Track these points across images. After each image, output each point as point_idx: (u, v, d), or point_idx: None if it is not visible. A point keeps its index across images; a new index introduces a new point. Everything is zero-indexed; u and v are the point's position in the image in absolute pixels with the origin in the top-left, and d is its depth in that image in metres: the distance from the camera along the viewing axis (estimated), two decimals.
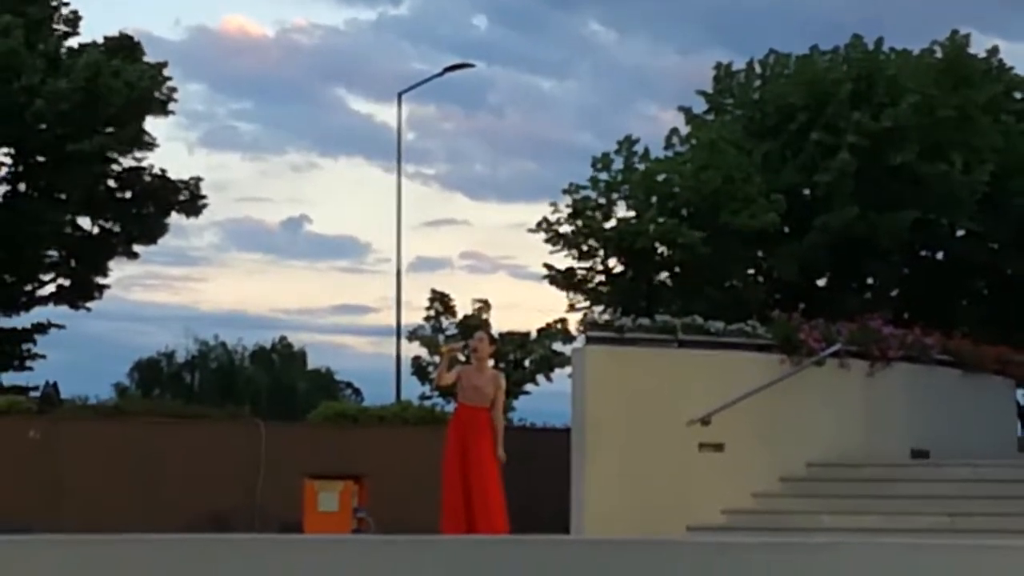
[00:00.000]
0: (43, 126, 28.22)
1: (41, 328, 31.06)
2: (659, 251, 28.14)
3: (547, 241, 29.00)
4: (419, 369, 31.44)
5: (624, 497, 15.57)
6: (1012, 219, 28.41)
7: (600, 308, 28.42)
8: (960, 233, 29.43)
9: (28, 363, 31.28)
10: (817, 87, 28.55)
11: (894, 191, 27.44)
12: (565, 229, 28.88)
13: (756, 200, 27.17)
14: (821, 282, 29.84)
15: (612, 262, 29.07)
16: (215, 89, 75.08)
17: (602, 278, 29.31)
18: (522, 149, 72.69)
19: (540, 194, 67.02)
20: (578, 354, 16.71)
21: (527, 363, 31.55)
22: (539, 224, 28.95)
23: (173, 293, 68.08)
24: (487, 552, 8.21)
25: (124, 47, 30.11)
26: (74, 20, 30.28)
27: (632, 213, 28.72)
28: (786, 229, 28.02)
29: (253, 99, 78.00)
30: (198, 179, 30.97)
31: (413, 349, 31.49)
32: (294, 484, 17.82)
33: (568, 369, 19.03)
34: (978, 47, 30.08)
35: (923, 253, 30.32)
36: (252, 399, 45.43)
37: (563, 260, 29.29)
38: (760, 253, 28.78)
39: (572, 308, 30.14)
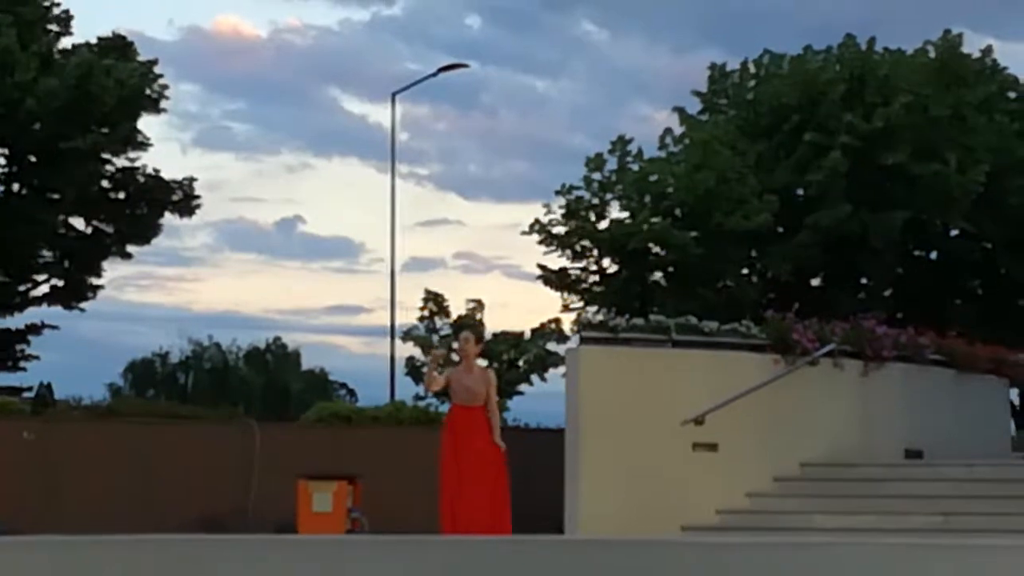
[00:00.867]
0: (36, 125, 28.19)
1: (35, 329, 31.03)
2: (653, 251, 28.17)
3: (541, 242, 29.04)
4: (413, 369, 31.42)
5: (618, 497, 15.56)
6: (1006, 219, 28.45)
7: (594, 308, 28.45)
8: (954, 233, 29.48)
9: (22, 364, 31.25)
10: (810, 87, 28.60)
11: (887, 191, 27.48)
12: (559, 230, 28.91)
13: (749, 200, 27.20)
14: (815, 282, 29.90)
15: (606, 262, 29.11)
16: (208, 89, 75.13)
17: (596, 278, 29.35)
18: (516, 149, 72.70)
19: (534, 194, 67.22)
20: (572, 354, 16.70)
21: (521, 363, 31.55)
22: (533, 224, 28.98)
23: (167, 293, 68.01)
24: (480, 552, 8.20)
25: (117, 47, 30.11)
26: (66, 20, 30.28)
27: (626, 213, 28.76)
28: (780, 229, 28.05)
29: (247, 99, 78.03)
30: (192, 179, 30.99)
31: (407, 349, 31.50)
32: (288, 484, 17.79)
33: (562, 369, 19.03)
34: (971, 47, 30.19)
35: (917, 253, 30.37)
36: (246, 400, 45.39)
37: (557, 260, 29.35)
38: (753, 253, 28.82)
39: (566, 308, 30.19)
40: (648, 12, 67.79)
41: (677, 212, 27.92)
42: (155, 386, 50.34)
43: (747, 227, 26.89)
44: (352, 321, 75.18)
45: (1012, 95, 30.47)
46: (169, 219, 31.40)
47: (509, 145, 71.37)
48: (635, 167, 29.17)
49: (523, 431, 23.59)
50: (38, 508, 18.67)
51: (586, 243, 28.92)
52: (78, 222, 30.42)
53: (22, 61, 27.62)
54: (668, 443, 15.98)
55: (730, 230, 26.97)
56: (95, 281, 31.16)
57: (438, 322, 32.14)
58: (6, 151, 29.28)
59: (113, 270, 38.38)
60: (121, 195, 30.48)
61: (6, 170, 29.51)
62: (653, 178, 28.66)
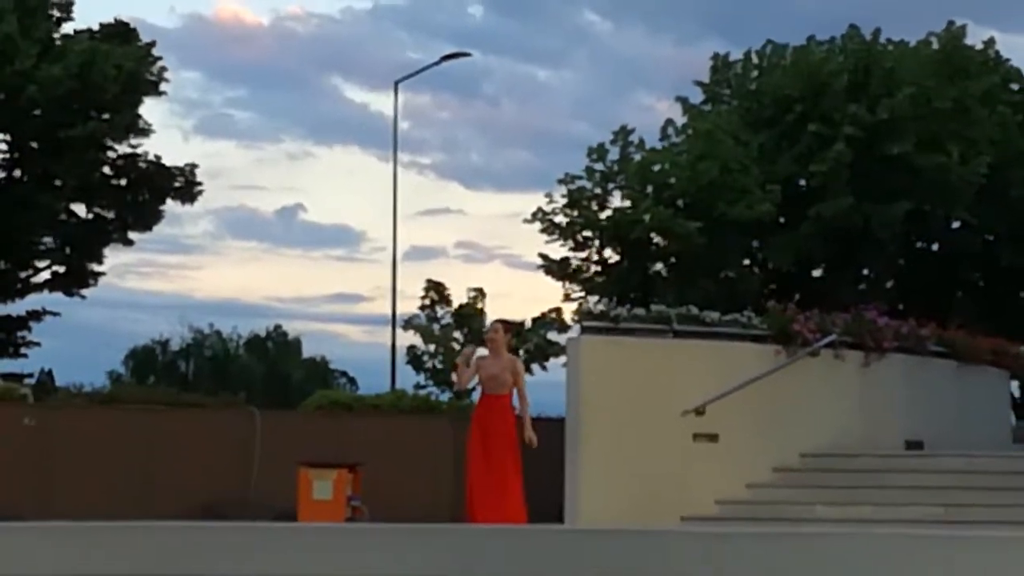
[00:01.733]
0: (37, 112, 28.18)
1: (36, 315, 31.05)
2: (655, 241, 28.15)
3: (543, 231, 29.01)
4: (414, 358, 31.43)
5: (618, 487, 15.57)
6: (1008, 211, 28.43)
7: (595, 298, 28.42)
8: (956, 224, 29.46)
9: (23, 350, 31.28)
10: (814, 78, 28.55)
11: (890, 182, 27.45)
12: (561, 219, 28.88)
13: (752, 191, 27.17)
14: (816, 273, 29.87)
15: (608, 252, 29.08)
16: (210, 77, 75.09)
17: (597, 268, 29.32)
18: (518, 138, 72.67)
19: (535, 184, 67.19)
20: (573, 344, 16.70)
21: (522, 352, 31.54)
22: (535, 214, 28.96)
23: (168, 281, 68.03)
24: (480, 541, 8.19)
25: (118, 33, 30.10)
26: (67, 6, 30.26)
27: (628, 203, 28.73)
28: (782, 220, 28.03)
29: (248, 87, 77.96)
30: (193, 166, 31.01)
31: (408, 338, 31.51)
32: (288, 472, 17.79)
33: (563, 359, 19.02)
34: (975, 38, 30.16)
35: (919, 244, 30.36)
36: (247, 387, 45.40)
37: (558, 250, 29.32)
38: (755, 244, 28.80)
39: (567, 298, 30.17)
40: (650, 2, 67.74)
41: (679, 202, 27.89)
42: (156, 373, 50.36)
43: (749, 217, 26.87)
44: (353, 309, 75.27)
45: (1015, 87, 30.44)
46: (170, 206, 31.48)
47: (511, 134, 71.37)
48: (637, 157, 29.14)
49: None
50: (38, 495, 18.68)
51: (588, 233, 28.90)
52: (79, 208, 30.43)
53: (23, 48, 27.61)
54: (668, 433, 15.99)
55: (732, 220, 26.95)
56: (96, 268, 31.18)
57: (439, 311, 32.14)
58: (8, 138, 29.29)
59: (114, 257, 38.36)
60: (123, 182, 30.49)
61: (7, 157, 29.51)
62: (656, 168, 28.63)
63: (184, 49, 71.47)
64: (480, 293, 32.04)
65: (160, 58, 30.24)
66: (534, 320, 31.42)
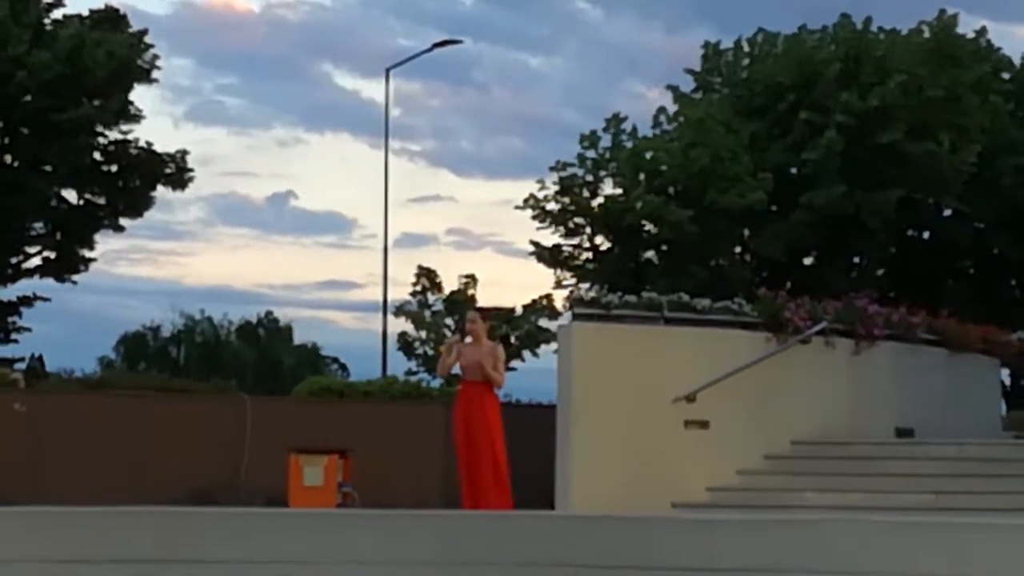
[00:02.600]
0: (28, 98, 28.11)
1: (27, 301, 30.99)
2: (646, 229, 28.12)
3: (534, 218, 28.97)
4: (405, 345, 31.47)
5: (609, 473, 15.59)
6: (999, 199, 28.45)
7: (587, 285, 28.41)
8: (947, 213, 29.48)
9: (13, 336, 31.23)
10: (805, 66, 28.52)
11: (881, 170, 27.45)
12: (552, 206, 28.85)
13: (743, 179, 27.16)
14: (807, 260, 29.87)
15: (599, 239, 29.06)
16: (201, 63, 74.78)
17: (589, 255, 29.29)
18: (509, 126, 72.68)
19: (526, 171, 66.90)
20: (564, 330, 16.71)
21: (513, 339, 31.56)
22: (526, 201, 28.92)
23: (159, 267, 68.00)
24: (471, 527, 8.20)
25: (109, 19, 30.01)
26: None
27: (619, 191, 28.69)
28: (773, 208, 28.02)
29: (239, 74, 77.86)
30: (184, 152, 30.91)
31: (399, 325, 31.56)
32: (279, 458, 17.81)
33: (554, 345, 19.02)
34: (966, 27, 30.12)
35: (910, 232, 30.37)
36: (238, 374, 45.45)
37: (550, 237, 29.29)
38: (747, 231, 28.79)
39: (559, 285, 30.15)
40: None
41: (671, 190, 27.87)
42: (147, 359, 50.35)
43: (741, 205, 26.86)
44: (344, 296, 75.29)
45: (1006, 75, 30.45)
46: (161, 192, 31.37)
47: (501, 122, 71.35)
48: (629, 144, 29.10)
49: (514, 407, 23.62)
50: (28, 480, 18.68)
51: (579, 220, 28.87)
52: (70, 194, 30.37)
53: (14, 33, 27.53)
54: (659, 420, 16.01)
55: (724, 208, 26.94)
56: (87, 254, 31.13)
57: (431, 298, 32.15)
58: None
59: (105, 243, 38.40)
60: (114, 168, 30.40)
61: None
62: (647, 156, 28.60)
63: (175, 36, 71.47)
64: (472, 280, 32.07)
65: (152, 46, 30.19)
66: (525, 307, 31.45)
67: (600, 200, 28.83)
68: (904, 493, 15.11)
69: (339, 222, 75.02)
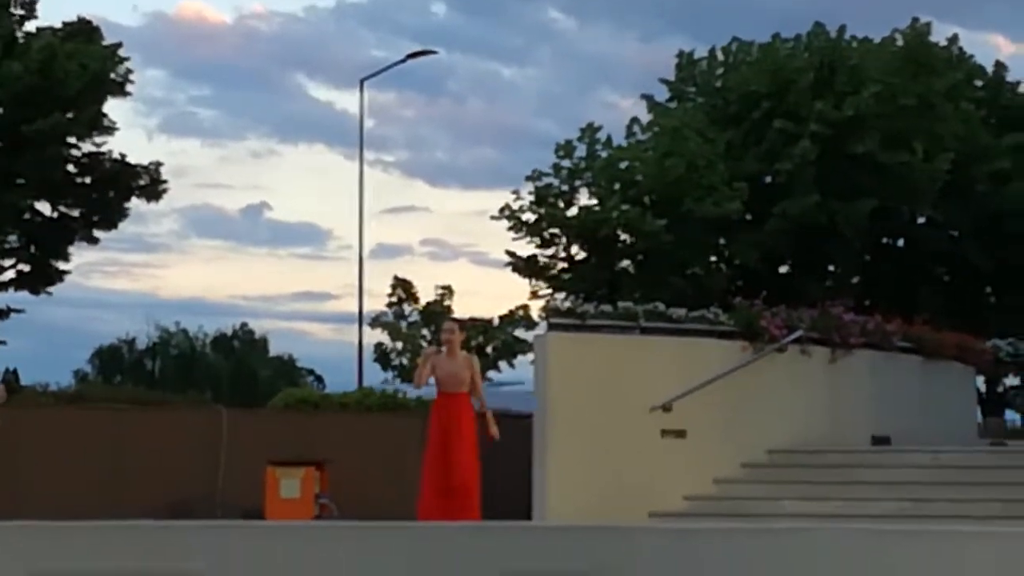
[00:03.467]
0: None
1: (1, 314, 30.85)
2: (622, 238, 28.17)
3: (510, 228, 29.00)
4: (381, 356, 31.42)
5: (586, 483, 15.57)
6: (973, 206, 28.57)
7: (563, 295, 28.44)
8: (921, 221, 29.60)
9: None
10: (779, 75, 28.62)
11: (855, 179, 27.55)
12: (528, 216, 28.88)
13: (719, 188, 27.23)
14: (783, 269, 29.97)
15: (575, 249, 29.09)
16: (174, 75, 74.85)
17: (564, 265, 29.33)
18: (483, 136, 72.78)
19: (501, 181, 67.29)
20: (540, 341, 16.69)
21: (489, 350, 31.55)
22: (502, 211, 28.94)
23: (133, 280, 67.88)
24: (448, 538, 8.20)
25: (82, 31, 29.91)
26: (31, 4, 30.04)
27: (595, 200, 28.74)
28: (748, 216, 28.10)
29: (212, 85, 77.82)
30: (158, 164, 30.80)
31: (375, 336, 31.50)
32: (256, 470, 17.75)
33: (530, 356, 19.01)
34: (938, 35, 30.32)
35: (884, 240, 30.48)
36: (213, 386, 45.37)
37: (526, 247, 29.32)
38: (722, 240, 28.86)
39: (534, 295, 30.19)
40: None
41: (646, 199, 27.91)
42: (122, 372, 50.23)
43: (716, 214, 26.92)
44: (320, 308, 75.17)
45: (978, 84, 30.60)
46: (135, 204, 31.26)
47: (476, 132, 71.47)
48: (604, 154, 29.15)
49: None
50: (3, 494, 18.57)
51: (555, 230, 28.90)
52: (44, 207, 30.23)
53: None
54: (636, 430, 16.00)
55: (699, 217, 26.99)
56: (62, 266, 30.98)
57: (406, 309, 32.12)
58: None
59: (80, 256, 38.15)
60: (87, 180, 30.28)
61: None
62: (622, 165, 28.65)
63: (147, 47, 71.41)
64: (448, 290, 32.06)
65: (127, 59, 30.10)
66: (501, 318, 31.43)
67: (575, 210, 28.86)
68: (880, 501, 15.13)
69: (314, 233, 75.07)
